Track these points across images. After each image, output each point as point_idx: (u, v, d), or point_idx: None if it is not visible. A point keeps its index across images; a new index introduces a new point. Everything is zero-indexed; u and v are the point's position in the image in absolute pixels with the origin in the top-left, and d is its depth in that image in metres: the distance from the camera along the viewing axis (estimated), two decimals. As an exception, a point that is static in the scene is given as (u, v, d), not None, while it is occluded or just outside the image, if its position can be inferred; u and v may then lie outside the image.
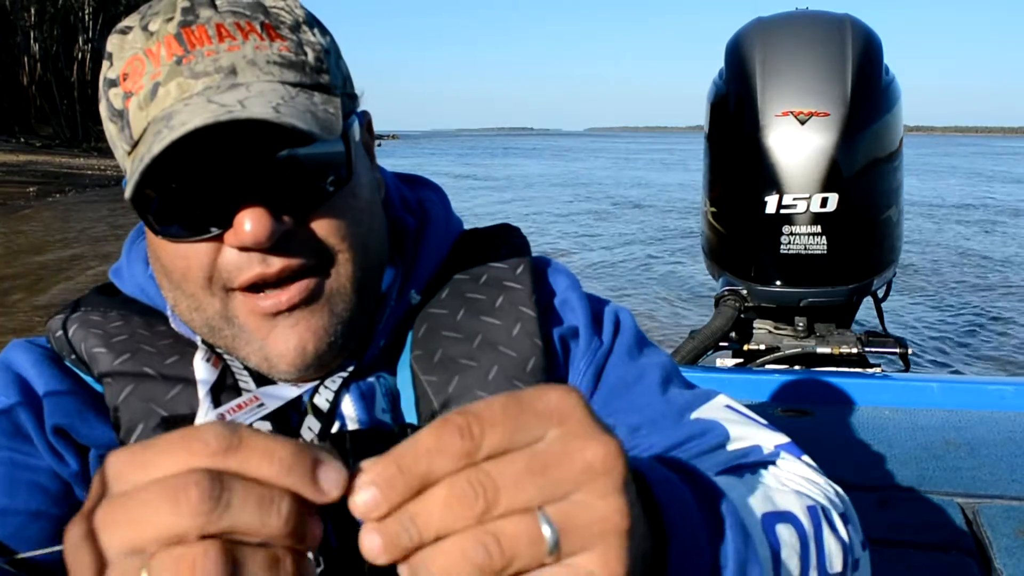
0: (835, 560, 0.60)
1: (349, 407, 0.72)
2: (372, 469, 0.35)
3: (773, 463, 0.68)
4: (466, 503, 0.34)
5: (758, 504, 0.57)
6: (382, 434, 0.70)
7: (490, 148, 68.99)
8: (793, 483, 0.64)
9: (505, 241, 0.84)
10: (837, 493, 0.68)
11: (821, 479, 0.68)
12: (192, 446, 0.34)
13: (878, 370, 2.73)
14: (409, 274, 0.78)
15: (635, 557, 0.37)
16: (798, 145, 2.61)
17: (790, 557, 0.56)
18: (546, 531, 0.35)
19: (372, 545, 0.35)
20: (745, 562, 0.51)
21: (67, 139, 46.56)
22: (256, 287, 0.67)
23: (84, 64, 52.13)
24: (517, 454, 0.35)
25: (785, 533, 0.57)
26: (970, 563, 1.27)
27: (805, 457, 0.71)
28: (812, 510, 0.61)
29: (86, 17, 52.85)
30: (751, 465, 0.67)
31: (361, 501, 0.35)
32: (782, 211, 2.62)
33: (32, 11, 49.19)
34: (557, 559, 0.35)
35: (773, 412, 1.92)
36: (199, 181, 0.64)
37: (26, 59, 49.37)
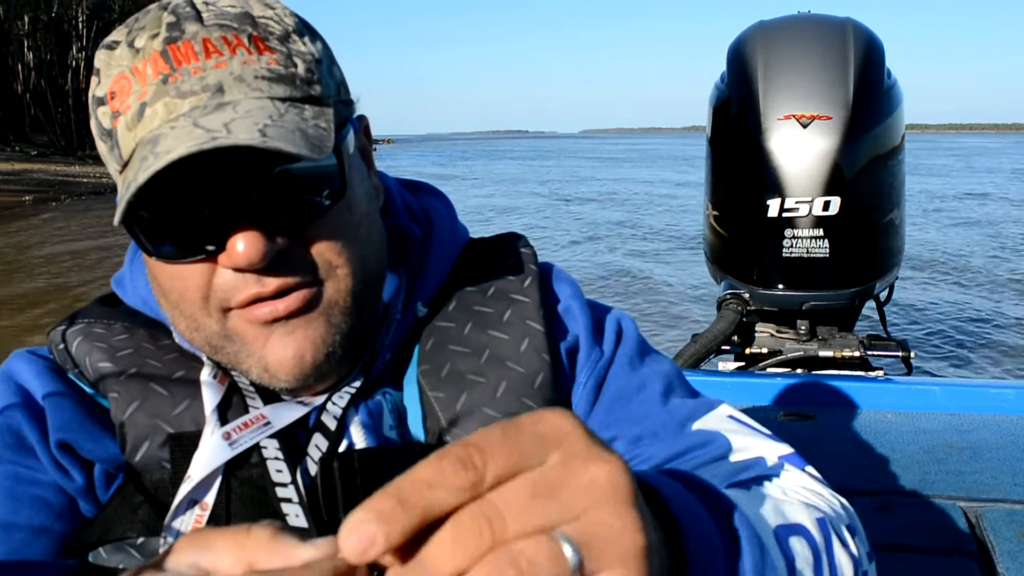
0: (847, 573, 0.59)
1: (356, 425, 0.70)
2: (368, 504, 0.33)
3: (777, 475, 0.67)
4: (475, 537, 0.32)
5: (770, 516, 0.56)
6: (390, 452, 0.69)
7: (477, 151, 69.39)
8: (800, 495, 0.64)
9: (512, 251, 0.82)
10: (843, 505, 0.67)
11: (826, 491, 0.67)
12: None
13: (880, 373, 2.73)
14: (415, 286, 0.77)
15: (655, 574, 0.36)
16: (800, 149, 2.61)
17: (804, 570, 0.55)
18: (567, 550, 0.33)
19: None
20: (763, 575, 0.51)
21: (62, 147, 46.28)
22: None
23: (78, 72, 51.76)
24: (520, 480, 0.34)
25: (798, 546, 0.56)
26: (972, 567, 1.27)
27: (809, 468, 0.70)
28: (821, 523, 0.60)
29: (79, 25, 52.43)
30: (756, 478, 0.66)
31: (357, 538, 0.31)
32: (784, 214, 2.63)
33: (26, 19, 48.83)
34: None
35: (775, 416, 1.91)
36: (190, 202, 0.62)
37: (20, 67, 49.16)
